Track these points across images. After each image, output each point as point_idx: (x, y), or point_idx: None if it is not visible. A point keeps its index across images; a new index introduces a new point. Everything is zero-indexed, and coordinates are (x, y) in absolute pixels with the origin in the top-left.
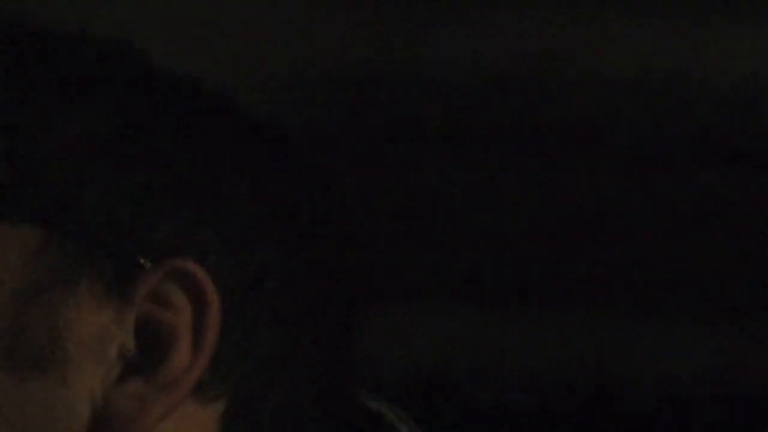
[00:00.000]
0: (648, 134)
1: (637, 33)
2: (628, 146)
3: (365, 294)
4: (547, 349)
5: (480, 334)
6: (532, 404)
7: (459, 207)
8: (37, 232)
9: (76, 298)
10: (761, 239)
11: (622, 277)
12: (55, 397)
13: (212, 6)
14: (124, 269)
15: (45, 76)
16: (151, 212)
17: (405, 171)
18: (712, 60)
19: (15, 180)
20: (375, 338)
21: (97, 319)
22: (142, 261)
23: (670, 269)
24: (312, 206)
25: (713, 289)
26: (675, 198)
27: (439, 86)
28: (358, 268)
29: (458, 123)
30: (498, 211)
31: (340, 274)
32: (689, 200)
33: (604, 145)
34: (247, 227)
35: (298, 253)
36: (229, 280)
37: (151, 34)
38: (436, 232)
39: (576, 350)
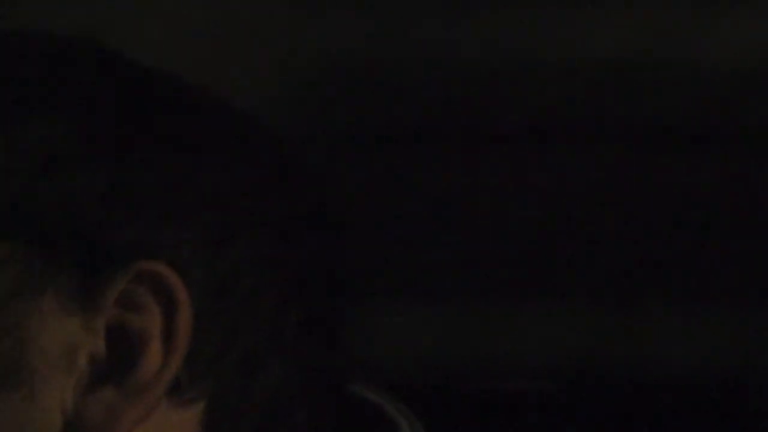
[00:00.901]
0: (645, 121)
1: (628, 17)
2: (624, 135)
3: (364, 291)
4: (548, 340)
5: (480, 329)
6: (535, 396)
7: (457, 203)
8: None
9: (42, 309)
10: (760, 225)
11: (622, 267)
12: (24, 413)
13: (205, 3)
14: (89, 276)
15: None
16: (114, 215)
17: (402, 169)
18: (704, 45)
19: None
20: (374, 335)
21: (65, 328)
22: (107, 266)
23: (669, 257)
24: (291, 202)
25: (714, 275)
26: (671, 185)
27: (435, 83)
28: (342, 262)
29: (455, 120)
30: (495, 206)
31: (322, 269)
32: (684, 186)
33: (601, 135)
34: (219, 226)
35: (277, 250)
36: (201, 279)
37: (144, 32)
38: (436, 229)
39: (577, 341)
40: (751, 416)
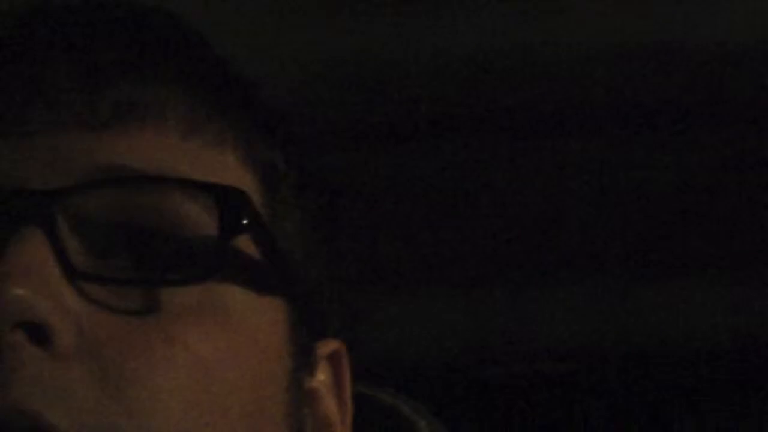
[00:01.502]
0: (637, 104)
1: (625, 3)
2: (619, 120)
3: (372, 284)
4: (553, 324)
5: (485, 315)
6: (544, 378)
7: (457, 195)
8: (284, 304)
9: (303, 369)
10: (758, 200)
11: (624, 248)
12: None
13: (207, 4)
14: (312, 341)
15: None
16: (334, 289)
17: (404, 164)
18: (688, 31)
19: (274, 256)
20: (383, 327)
21: (293, 387)
22: (323, 333)
23: (667, 234)
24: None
25: (716, 252)
26: (670, 164)
27: (432, 79)
28: (351, 256)
29: (458, 115)
30: (495, 195)
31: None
32: (684, 166)
33: (597, 122)
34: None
35: None
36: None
37: None
38: (441, 221)
39: (580, 323)
40: (757, 387)
